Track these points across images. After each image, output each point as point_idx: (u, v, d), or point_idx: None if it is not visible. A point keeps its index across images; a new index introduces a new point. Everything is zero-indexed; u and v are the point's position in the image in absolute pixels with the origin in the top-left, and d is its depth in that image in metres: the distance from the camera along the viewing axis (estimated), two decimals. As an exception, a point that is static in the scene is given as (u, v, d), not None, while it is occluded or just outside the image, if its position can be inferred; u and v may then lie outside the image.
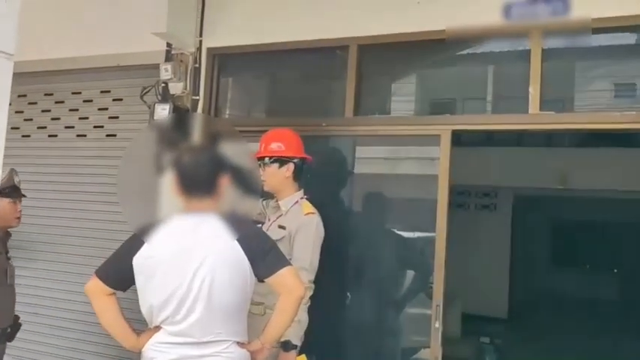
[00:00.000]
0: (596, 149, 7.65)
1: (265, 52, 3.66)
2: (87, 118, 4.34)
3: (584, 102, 3.31)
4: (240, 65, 4.03)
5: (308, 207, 2.88)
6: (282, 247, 2.66)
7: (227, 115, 3.97)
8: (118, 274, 2.18)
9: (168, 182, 2.25)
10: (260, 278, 2.18)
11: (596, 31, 2.83)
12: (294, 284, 2.17)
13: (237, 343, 2.18)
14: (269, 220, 2.94)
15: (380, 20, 3.26)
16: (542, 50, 2.92)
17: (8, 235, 3.17)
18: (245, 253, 2.12)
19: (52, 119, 4.49)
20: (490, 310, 8.78)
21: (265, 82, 4.16)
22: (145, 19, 3.63)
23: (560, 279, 10.18)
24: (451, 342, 6.47)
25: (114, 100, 4.24)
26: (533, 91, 2.90)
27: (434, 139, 3.12)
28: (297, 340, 2.64)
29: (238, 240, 2.11)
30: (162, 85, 3.81)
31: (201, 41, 3.80)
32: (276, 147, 2.91)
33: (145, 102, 3.89)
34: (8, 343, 3.11)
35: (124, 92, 4.17)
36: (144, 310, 2.17)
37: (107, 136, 4.22)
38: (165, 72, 3.73)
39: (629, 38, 3.05)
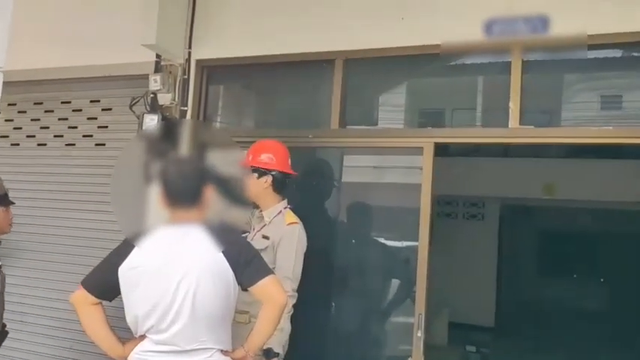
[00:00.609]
0: (582, 160, 7.76)
1: (253, 64, 3.71)
2: (76, 127, 4.36)
3: (570, 115, 3.37)
4: (228, 77, 4.08)
5: (291, 217, 2.92)
6: (266, 257, 2.71)
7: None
8: (104, 284, 2.21)
9: (154, 193, 2.30)
10: (244, 287, 2.22)
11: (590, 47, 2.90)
12: (276, 293, 2.22)
13: (222, 351, 2.22)
14: (253, 229, 2.99)
15: (365, 35, 3.33)
16: (523, 65, 3.00)
17: None
18: (229, 262, 2.16)
19: (42, 128, 4.51)
20: (477, 319, 8.85)
21: (253, 94, 4.21)
22: (135, 30, 3.67)
23: (546, 288, 10.26)
24: (437, 351, 6.55)
25: (103, 109, 4.27)
26: (514, 105, 2.98)
27: (417, 151, 3.19)
28: (279, 348, 2.68)
29: (222, 250, 2.16)
30: (151, 95, 3.85)
31: (190, 53, 3.85)
32: (266, 158, 2.95)
33: (134, 112, 3.93)
34: (-5, 351, 3.13)
35: (113, 102, 4.20)
36: (129, 319, 2.20)
37: (96, 145, 4.25)
38: (155, 83, 3.78)
39: (614, 52, 3.12)
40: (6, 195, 3.09)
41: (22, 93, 4.42)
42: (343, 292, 3.54)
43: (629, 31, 2.82)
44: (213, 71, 3.92)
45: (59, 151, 4.40)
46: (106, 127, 4.24)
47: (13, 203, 3.16)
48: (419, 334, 3.06)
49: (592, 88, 3.40)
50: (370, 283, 3.59)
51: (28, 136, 4.55)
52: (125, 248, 2.21)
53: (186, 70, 3.86)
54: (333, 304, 3.52)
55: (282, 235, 2.84)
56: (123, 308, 2.21)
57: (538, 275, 10.58)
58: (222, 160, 2.67)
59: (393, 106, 3.67)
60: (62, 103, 4.45)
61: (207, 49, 3.81)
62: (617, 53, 3.11)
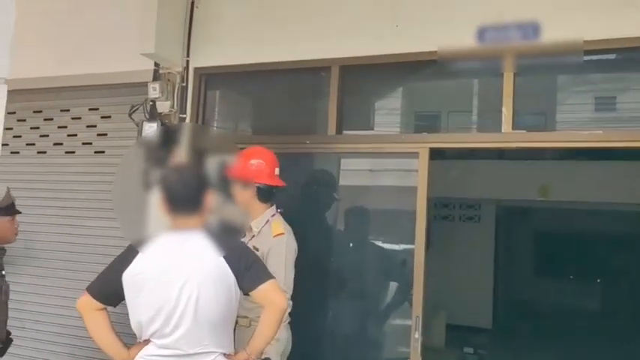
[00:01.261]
0: (577, 162, 7.83)
1: (251, 71, 3.77)
2: (75, 135, 4.42)
3: (563, 118, 3.43)
4: (226, 84, 4.14)
5: (277, 227, 2.90)
6: (258, 267, 2.76)
7: (213, 134, 4.07)
8: (108, 290, 2.26)
9: (156, 200, 2.34)
10: (245, 291, 2.28)
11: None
12: (276, 297, 2.27)
13: (224, 354, 2.27)
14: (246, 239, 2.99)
15: (360, 42, 3.39)
16: (514, 72, 3.07)
17: (3, 251, 3.20)
18: (230, 267, 2.21)
19: (41, 136, 4.56)
20: (475, 321, 8.91)
21: (251, 101, 4.27)
22: (134, 39, 3.73)
23: (543, 289, 10.33)
24: (435, 353, 6.59)
25: (102, 117, 4.32)
26: (506, 110, 3.04)
27: (413, 156, 3.24)
28: (276, 357, 2.72)
29: (223, 255, 2.21)
30: (150, 103, 3.91)
31: (188, 61, 3.91)
32: (251, 166, 2.93)
33: (133, 120, 3.99)
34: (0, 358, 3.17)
35: (112, 110, 4.25)
36: (133, 324, 2.24)
37: (95, 152, 4.30)
38: (153, 91, 3.84)
39: (607, 55, 3.18)
40: (12, 204, 3.14)
41: (21, 101, 4.46)
42: (341, 295, 3.60)
43: (622, 37, 2.89)
44: (211, 79, 3.98)
45: (59, 159, 4.45)
46: (106, 134, 4.29)
47: (19, 212, 3.20)
48: (416, 336, 3.11)
49: (585, 90, 3.45)
50: (368, 286, 3.65)
51: (27, 144, 4.61)
52: (128, 254, 2.25)
53: (184, 78, 3.92)
54: (332, 307, 3.57)
55: (270, 247, 2.84)
56: (127, 313, 2.25)
57: (534, 276, 10.66)
58: (223, 165, 2.72)
59: (388, 111, 3.74)
60: (61, 111, 4.50)
61: (205, 58, 3.87)
62: (610, 56, 3.17)
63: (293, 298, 2.79)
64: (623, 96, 3.44)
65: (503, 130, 3.08)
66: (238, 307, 2.41)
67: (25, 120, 4.63)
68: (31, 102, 4.56)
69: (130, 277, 2.20)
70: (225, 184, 2.68)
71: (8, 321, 3.22)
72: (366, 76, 3.59)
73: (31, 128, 4.61)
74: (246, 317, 2.73)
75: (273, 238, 2.87)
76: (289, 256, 2.87)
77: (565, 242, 10.22)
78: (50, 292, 4.26)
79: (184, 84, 3.91)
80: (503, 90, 3.08)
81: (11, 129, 4.62)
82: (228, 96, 4.30)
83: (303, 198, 3.46)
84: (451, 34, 3.14)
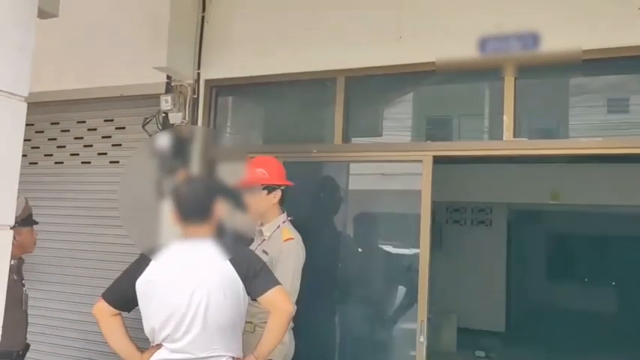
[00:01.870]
0: (587, 165, 7.82)
1: (259, 83, 3.89)
2: (91, 145, 4.55)
3: (565, 126, 3.47)
4: (235, 96, 4.26)
5: (287, 233, 3.00)
6: (267, 271, 2.86)
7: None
8: (122, 296, 2.36)
9: (167, 210, 2.44)
10: (252, 297, 2.37)
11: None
12: (283, 303, 2.36)
13: (233, 358, 2.36)
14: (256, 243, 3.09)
15: (365, 54, 3.48)
16: (515, 80, 3.14)
17: (22, 261, 3.32)
18: (238, 274, 2.31)
19: (58, 147, 4.71)
20: (487, 324, 8.92)
21: (259, 112, 4.37)
22: (146, 53, 3.86)
23: (556, 292, 10.30)
24: (446, 356, 6.64)
25: (117, 128, 4.46)
26: (507, 119, 3.12)
27: (417, 163, 3.33)
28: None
29: (231, 262, 2.30)
30: (163, 115, 4.03)
31: (199, 73, 4.03)
32: (260, 173, 3.03)
33: (146, 131, 4.10)
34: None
35: (126, 121, 4.39)
36: (146, 329, 2.34)
37: (110, 162, 4.43)
38: (166, 103, 3.96)
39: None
40: (30, 215, 3.26)
41: (39, 114, 4.57)
42: (349, 300, 3.67)
43: (623, 46, 2.95)
44: (221, 90, 4.10)
45: (75, 169, 4.59)
46: (120, 145, 4.42)
47: (36, 223, 3.32)
48: (421, 340, 3.18)
49: (589, 97, 3.48)
50: (377, 290, 3.71)
51: (45, 155, 4.75)
52: (142, 262, 2.35)
53: (195, 90, 4.03)
54: (339, 311, 3.64)
55: (279, 251, 2.94)
56: (141, 319, 2.35)
57: (547, 279, 10.62)
58: (234, 174, 2.80)
59: (392, 120, 3.82)
60: (78, 122, 4.65)
61: (215, 70, 3.99)
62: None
63: (299, 302, 2.86)
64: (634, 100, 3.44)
65: (504, 138, 3.15)
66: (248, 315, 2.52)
67: (43, 131, 4.77)
68: (49, 114, 4.70)
69: (142, 283, 2.30)
70: (236, 193, 2.76)
71: (28, 327, 3.35)
72: (370, 86, 3.68)
73: (49, 139, 4.75)
74: (250, 322, 2.80)
75: (284, 243, 2.96)
76: (297, 261, 2.96)
77: (578, 245, 10.20)
78: (68, 298, 4.38)
79: (195, 96, 4.02)
80: (504, 98, 3.15)
81: (29, 140, 4.77)
82: (238, 106, 4.41)
83: (310, 205, 3.54)
84: (452, 45, 3.21)
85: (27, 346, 3.32)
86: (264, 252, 2.97)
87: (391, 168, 3.64)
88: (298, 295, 2.93)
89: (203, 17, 4.00)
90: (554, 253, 10.62)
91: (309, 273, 3.00)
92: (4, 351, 3.10)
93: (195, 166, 3.09)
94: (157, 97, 4.03)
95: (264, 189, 3.01)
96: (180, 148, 3.59)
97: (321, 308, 3.30)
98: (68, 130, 4.69)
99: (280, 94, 3.98)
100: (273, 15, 3.83)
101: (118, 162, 4.40)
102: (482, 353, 7.38)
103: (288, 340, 2.88)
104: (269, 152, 3.38)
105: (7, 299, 1.79)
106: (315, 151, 3.62)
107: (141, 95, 4.22)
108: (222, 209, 2.42)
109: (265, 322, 2.44)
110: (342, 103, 3.60)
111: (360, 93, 3.67)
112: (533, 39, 3.06)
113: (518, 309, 9.84)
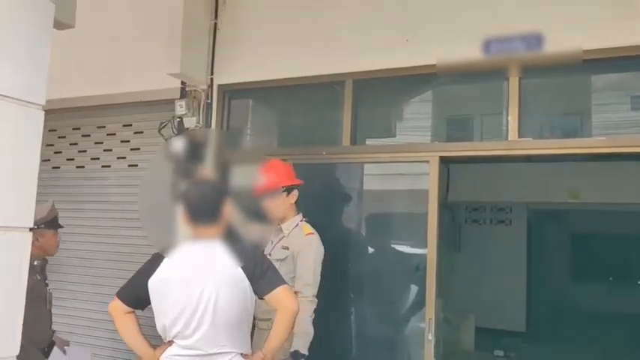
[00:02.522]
0: (608, 163, 7.73)
1: (270, 87, 3.98)
2: (111, 150, 4.70)
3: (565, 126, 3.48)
4: (247, 100, 4.36)
5: (308, 228, 3.11)
6: (286, 266, 2.95)
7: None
8: (136, 295, 2.46)
9: (179, 211, 2.53)
10: (259, 296, 2.45)
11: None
12: (288, 301, 2.43)
13: (241, 354, 2.44)
14: (271, 242, 3.17)
15: (372, 57, 3.55)
16: (520, 80, 3.17)
17: (46, 262, 3.42)
18: (245, 274, 2.38)
19: (80, 152, 4.87)
20: (508, 324, 8.87)
21: (271, 115, 4.47)
22: (162, 59, 3.98)
23: (578, 292, 10.18)
24: (464, 355, 6.64)
25: (135, 132, 4.60)
26: (512, 119, 3.15)
27: (424, 163, 3.38)
28: (304, 350, 2.87)
29: (239, 263, 2.39)
30: (178, 119, 4.16)
31: (212, 79, 4.14)
32: (272, 177, 3.09)
33: (162, 135, 4.23)
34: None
35: (144, 126, 4.52)
36: (158, 326, 2.43)
37: (129, 166, 4.58)
38: (180, 108, 4.08)
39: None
40: (55, 218, 3.38)
41: (61, 119, 4.77)
42: (361, 298, 3.74)
43: (625, 45, 2.96)
44: (234, 95, 4.21)
45: (96, 173, 4.75)
46: (138, 149, 4.56)
47: (61, 227, 3.44)
48: (430, 338, 3.23)
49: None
50: (388, 289, 3.76)
51: (67, 159, 4.92)
52: (154, 262, 2.45)
53: (209, 95, 4.15)
54: (352, 309, 3.71)
55: (301, 245, 3.04)
56: (153, 318, 2.44)
57: (569, 279, 10.52)
58: (249, 178, 2.89)
59: (400, 121, 3.87)
60: (98, 127, 4.80)
61: (227, 75, 4.10)
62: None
63: (318, 296, 2.95)
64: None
65: (509, 138, 3.18)
66: (260, 311, 2.60)
67: (65, 137, 4.94)
68: (70, 120, 4.87)
69: (154, 282, 2.39)
70: (247, 195, 2.83)
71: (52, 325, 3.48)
72: (378, 89, 3.75)
73: (70, 144, 4.92)
74: (269, 319, 2.84)
75: (305, 237, 3.06)
76: (318, 254, 3.05)
77: (600, 244, 10.08)
78: (91, 298, 4.52)
79: (209, 100, 4.14)
80: (509, 98, 3.19)
81: (52, 145, 4.95)
82: (250, 110, 4.51)
83: (320, 205, 3.61)
84: (459, 47, 3.26)
85: (52, 344, 3.43)
86: (284, 248, 3.06)
87: (401, 168, 3.70)
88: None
89: (215, 24, 4.11)
90: (576, 252, 10.51)
91: (329, 270, 3.05)
92: (30, 349, 3.23)
93: (208, 168, 3.19)
94: (172, 102, 4.17)
95: (283, 191, 3.10)
96: (195, 152, 3.70)
97: (333, 306, 3.35)
98: (89, 135, 4.84)
99: (290, 97, 4.07)
100: (281, 20, 3.92)
101: (136, 165, 4.53)
102: (500, 353, 7.35)
103: (311, 330, 2.92)
104: (280, 154, 3.47)
105: (30, 298, 1.89)
106: (324, 152, 3.69)
107: (157, 100, 4.35)
108: (231, 210, 2.50)
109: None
110: (350, 106, 3.67)
111: (367, 95, 3.74)
112: (537, 39, 3.09)
113: (539, 309, 9.75)
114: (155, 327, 2.45)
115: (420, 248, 3.41)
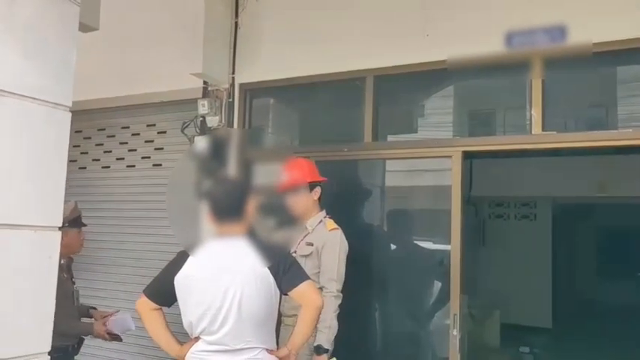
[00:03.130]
0: (636, 155, 7.59)
1: (291, 85, 4.00)
2: (135, 150, 4.78)
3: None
4: (269, 98, 4.39)
5: (332, 224, 3.15)
6: (311, 262, 2.98)
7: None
8: (162, 292, 2.50)
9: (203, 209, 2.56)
10: (283, 292, 2.47)
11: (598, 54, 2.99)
12: (312, 296, 2.45)
13: (267, 350, 2.46)
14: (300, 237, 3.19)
15: (393, 53, 3.54)
16: (542, 75, 3.14)
17: (71, 260, 3.51)
18: (269, 270, 2.41)
19: (105, 152, 4.95)
20: (534, 320, 8.79)
21: (292, 113, 4.49)
22: (184, 60, 4.03)
23: (604, 287, 10.04)
24: (489, 351, 6.59)
25: (158, 132, 4.66)
26: (535, 113, 3.12)
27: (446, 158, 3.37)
28: (328, 345, 2.90)
29: (263, 259, 2.42)
30: (200, 119, 4.20)
31: (233, 78, 4.18)
32: (296, 175, 3.13)
33: (185, 135, 4.28)
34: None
35: (167, 126, 4.58)
36: (185, 323, 2.47)
37: (153, 165, 4.64)
38: (203, 107, 4.12)
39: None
40: (79, 217, 3.45)
41: (87, 120, 4.87)
42: (385, 294, 3.74)
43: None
44: (256, 93, 4.24)
45: (121, 173, 4.82)
46: (162, 148, 4.62)
47: (84, 225, 3.51)
48: (454, 333, 3.22)
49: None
50: (413, 285, 3.76)
51: (93, 160, 5.01)
52: (180, 260, 2.48)
53: (230, 94, 4.19)
54: (376, 304, 3.72)
55: (325, 240, 3.07)
56: (180, 315, 2.48)
57: (595, 274, 10.38)
58: (274, 175, 2.91)
59: (422, 117, 3.85)
60: (122, 128, 4.88)
61: (249, 74, 4.13)
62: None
63: (343, 291, 2.97)
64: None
65: (533, 132, 3.15)
66: (287, 307, 2.61)
67: (90, 137, 5.03)
68: (96, 121, 4.96)
69: (181, 279, 2.43)
70: (271, 192, 2.85)
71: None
72: (399, 85, 3.74)
73: (96, 145, 5.00)
74: (295, 315, 2.83)
75: (329, 232, 3.10)
76: (342, 250, 3.07)
77: (626, 238, 9.92)
78: (118, 295, 4.58)
79: (231, 99, 4.18)
80: (532, 91, 3.16)
81: (79, 146, 5.04)
82: (271, 108, 4.54)
83: (344, 202, 3.62)
84: (479, 41, 3.23)
85: (81, 341, 3.50)
86: (309, 244, 3.09)
87: (423, 164, 3.69)
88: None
89: (236, 23, 4.14)
90: (603, 247, 10.36)
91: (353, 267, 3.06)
92: (60, 346, 3.29)
93: (233, 167, 3.22)
94: (194, 101, 4.21)
95: (307, 188, 3.13)
96: (219, 150, 3.74)
97: (357, 302, 3.35)
98: (114, 136, 4.92)
99: (311, 95, 4.08)
100: (301, 18, 3.93)
101: (160, 165, 4.60)
102: (526, 349, 7.29)
103: (335, 325, 2.95)
104: (302, 152, 3.48)
105: (58, 296, 1.94)
106: (346, 149, 3.70)
107: (180, 100, 4.40)
108: (254, 207, 2.53)
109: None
110: (371, 102, 3.67)
111: (389, 91, 3.73)
112: (560, 32, 3.05)
113: (565, 305, 9.64)
114: (182, 324, 2.49)
115: (443, 244, 3.40)
